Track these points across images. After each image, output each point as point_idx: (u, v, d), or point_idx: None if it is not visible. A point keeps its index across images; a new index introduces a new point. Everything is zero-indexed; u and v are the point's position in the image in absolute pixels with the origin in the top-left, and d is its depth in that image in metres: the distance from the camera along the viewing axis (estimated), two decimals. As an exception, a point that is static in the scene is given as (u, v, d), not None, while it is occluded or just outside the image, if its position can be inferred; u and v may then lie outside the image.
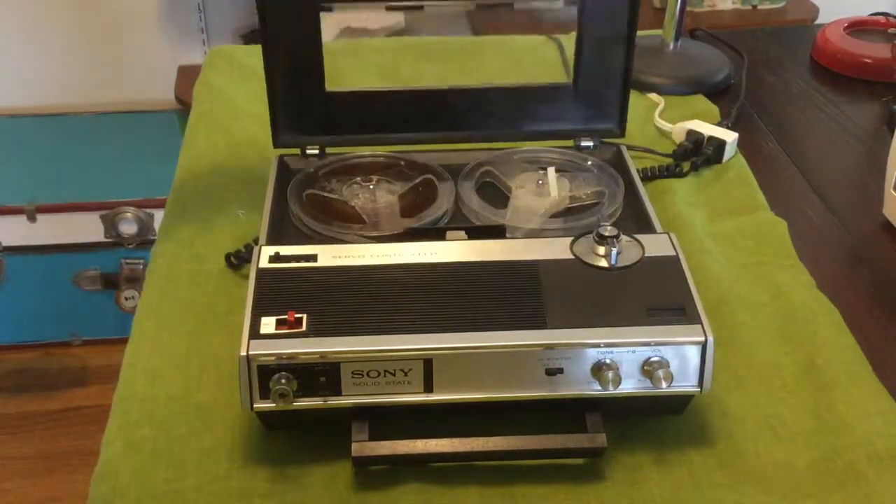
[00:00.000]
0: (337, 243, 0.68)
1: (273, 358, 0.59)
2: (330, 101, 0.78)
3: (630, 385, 0.61)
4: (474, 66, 1.12)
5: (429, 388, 0.60)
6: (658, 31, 1.13)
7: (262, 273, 0.65)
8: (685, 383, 0.61)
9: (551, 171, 0.80)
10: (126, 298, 1.95)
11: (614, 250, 0.65)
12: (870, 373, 0.69)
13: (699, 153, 0.93)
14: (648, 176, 0.90)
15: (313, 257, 0.66)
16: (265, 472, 0.62)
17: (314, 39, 0.76)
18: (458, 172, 0.80)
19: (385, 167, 0.81)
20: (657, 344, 0.60)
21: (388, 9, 2.01)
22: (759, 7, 2.09)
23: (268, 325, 0.60)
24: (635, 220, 0.76)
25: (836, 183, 0.94)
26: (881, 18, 1.19)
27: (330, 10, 0.77)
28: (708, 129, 0.95)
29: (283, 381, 0.59)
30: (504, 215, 0.76)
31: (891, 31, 1.17)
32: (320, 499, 0.60)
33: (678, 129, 0.96)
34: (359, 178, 0.78)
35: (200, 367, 0.69)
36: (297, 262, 0.65)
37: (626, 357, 0.60)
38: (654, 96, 1.05)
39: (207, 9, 2.15)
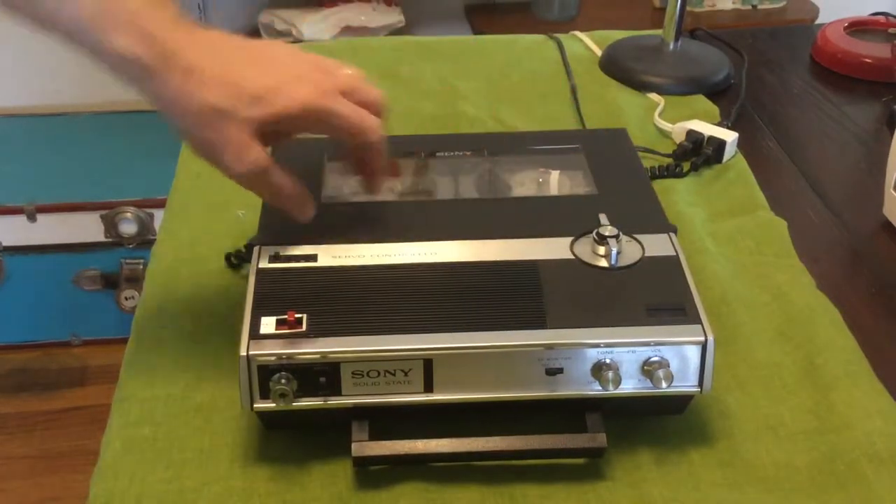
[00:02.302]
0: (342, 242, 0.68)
1: (273, 358, 0.59)
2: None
3: (630, 385, 0.61)
4: (474, 65, 1.12)
5: (429, 388, 0.60)
6: (658, 31, 1.13)
7: (261, 273, 0.65)
8: (685, 383, 0.61)
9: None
10: (126, 298, 1.95)
11: (614, 250, 0.65)
12: (870, 373, 0.69)
13: (699, 153, 0.93)
14: (648, 175, 0.90)
15: (313, 257, 0.66)
16: (265, 472, 0.62)
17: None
18: (458, 169, 0.80)
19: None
20: (657, 344, 0.60)
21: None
22: (759, 7, 2.09)
23: (268, 325, 0.60)
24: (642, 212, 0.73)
25: (836, 183, 0.94)
26: (881, 18, 1.19)
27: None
28: (708, 129, 0.95)
29: (283, 381, 0.59)
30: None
31: (891, 31, 1.17)
32: (320, 499, 0.60)
33: (678, 129, 0.96)
34: (357, 178, 0.78)
35: (200, 367, 0.69)
36: (297, 262, 0.65)
37: (626, 357, 0.60)
38: (654, 96, 1.05)
39: (207, 9, 2.14)
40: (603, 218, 0.68)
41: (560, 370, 0.60)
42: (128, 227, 1.90)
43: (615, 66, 1.11)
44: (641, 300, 0.63)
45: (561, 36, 1.19)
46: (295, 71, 0.61)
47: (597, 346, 0.60)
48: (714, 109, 1.03)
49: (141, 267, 1.91)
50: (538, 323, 0.61)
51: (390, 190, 0.76)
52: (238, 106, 0.58)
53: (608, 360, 0.60)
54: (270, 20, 2.01)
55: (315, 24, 1.95)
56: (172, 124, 0.59)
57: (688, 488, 0.61)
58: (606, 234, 0.66)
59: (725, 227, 0.84)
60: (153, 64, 0.55)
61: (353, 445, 0.60)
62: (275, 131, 0.62)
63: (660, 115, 1.00)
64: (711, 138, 0.94)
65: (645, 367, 0.60)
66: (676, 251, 0.67)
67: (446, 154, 0.80)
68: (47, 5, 0.56)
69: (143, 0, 0.56)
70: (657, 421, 0.65)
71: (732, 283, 0.77)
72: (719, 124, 0.97)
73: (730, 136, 0.94)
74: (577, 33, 1.20)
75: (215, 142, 0.59)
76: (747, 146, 0.97)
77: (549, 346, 0.60)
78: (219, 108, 0.57)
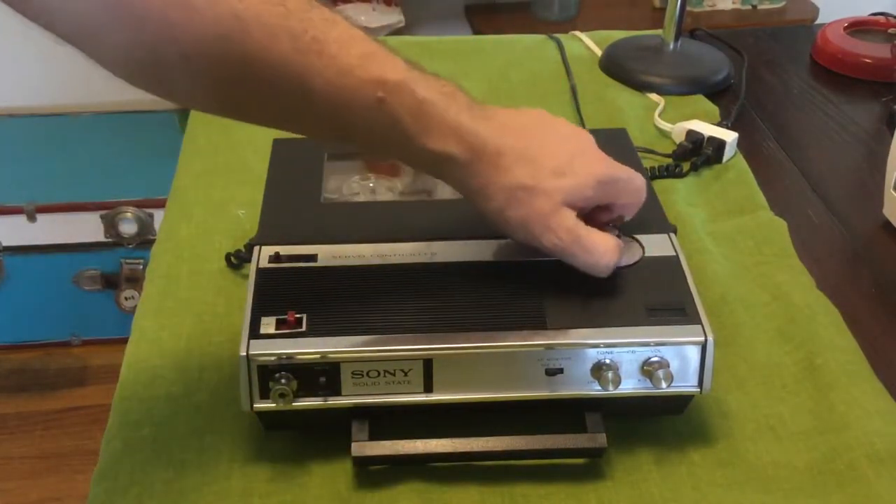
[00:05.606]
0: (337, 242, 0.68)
1: (273, 358, 0.59)
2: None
3: (630, 385, 0.61)
4: (474, 65, 1.12)
5: (429, 388, 0.60)
6: (658, 31, 1.13)
7: (262, 273, 0.65)
8: (685, 383, 0.61)
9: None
10: (126, 298, 1.95)
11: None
12: (870, 373, 0.69)
13: (699, 153, 0.93)
14: (648, 176, 0.90)
15: (313, 257, 0.66)
16: (265, 472, 0.62)
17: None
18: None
19: (382, 165, 0.80)
20: (657, 344, 0.60)
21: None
22: (759, 7, 2.09)
23: (268, 325, 0.60)
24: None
25: (836, 183, 0.94)
26: (881, 18, 1.19)
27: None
28: (708, 129, 0.95)
29: (283, 381, 0.59)
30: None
31: (891, 31, 1.17)
32: (320, 499, 0.60)
33: (678, 129, 0.96)
34: (357, 177, 0.78)
35: (200, 367, 0.69)
36: (297, 262, 0.65)
37: (626, 357, 0.60)
38: (654, 96, 1.05)
39: (207, 9, 2.14)
40: None
41: (560, 370, 0.60)
42: (128, 227, 1.90)
43: (615, 66, 1.11)
44: (641, 300, 0.63)
45: (561, 36, 1.19)
46: (579, 146, 0.65)
47: (597, 346, 0.60)
48: (714, 109, 1.03)
49: (141, 267, 1.91)
50: (538, 323, 0.61)
51: (390, 190, 0.76)
52: (541, 181, 0.61)
53: (608, 360, 0.60)
54: (270, 20, 2.00)
55: (315, 24, 1.94)
56: (482, 208, 0.62)
57: (688, 488, 0.61)
58: (606, 234, 0.66)
59: (725, 227, 0.84)
60: (464, 156, 0.59)
61: (353, 445, 0.60)
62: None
63: (660, 115, 1.00)
64: (711, 138, 0.94)
65: (645, 368, 0.60)
66: (676, 251, 0.67)
67: None
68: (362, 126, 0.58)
69: (458, 110, 0.59)
70: (657, 421, 0.65)
71: (732, 283, 0.77)
72: (719, 124, 0.97)
73: (730, 136, 0.94)
74: (577, 33, 1.20)
75: (524, 217, 0.61)
76: (747, 146, 0.97)
77: (549, 346, 0.60)
78: (525, 185, 0.60)
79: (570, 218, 0.61)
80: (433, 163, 0.60)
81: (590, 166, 0.63)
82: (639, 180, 0.66)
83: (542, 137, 0.63)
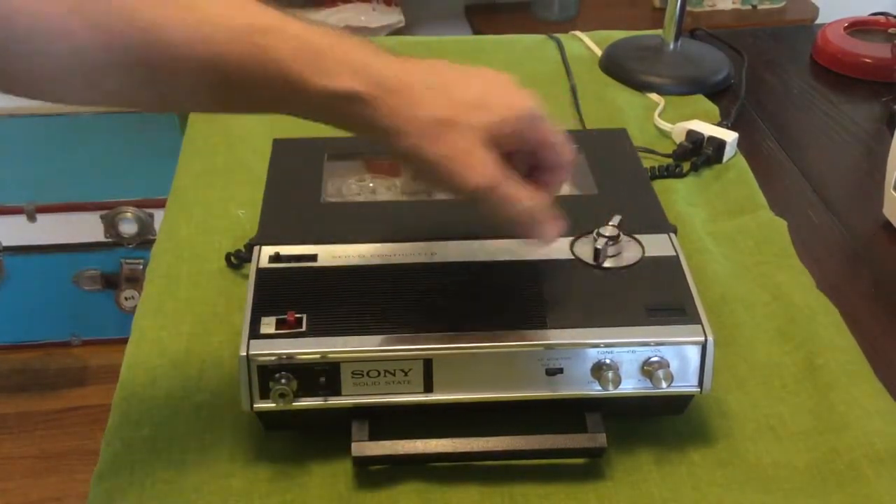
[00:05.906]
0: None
1: (273, 358, 0.59)
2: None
3: (630, 385, 0.61)
4: (474, 65, 1.12)
5: (429, 388, 0.60)
6: (658, 31, 1.13)
7: (262, 273, 0.65)
8: (685, 383, 0.61)
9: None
10: (126, 298, 1.95)
11: (610, 251, 0.65)
12: (870, 373, 0.69)
13: (699, 153, 0.93)
14: (648, 176, 0.90)
15: (313, 257, 0.66)
16: (265, 472, 0.62)
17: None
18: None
19: (382, 165, 0.81)
20: (657, 344, 0.60)
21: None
22: (759, 7, 2.09)
23: (268, 325, 0.60)
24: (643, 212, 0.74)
25: (836, 183, 0.94)
26: (881, 18, 1.19)
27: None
28: (708, 129, 0.95)
29: (283, 381, 0.59)
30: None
31: (891, 31, 1.17)
32: (320, 499, 0.60)
33: (678, 129, 0.96)
34: (356, 178, 0.78)
35: (200, 367, 0.69)
36: (297, 262, 0.65)
37: (626, 357, 0.60)
38: (654, 96, 1.05)
39: (207, 8, 2.14)
40: (615, 219, 0.68)
41: (560, 370, 0.60)
42: (128, 227, 1.90)
43: (615, 66, 1.11)
44: (641, 300, 0.63)
45: (561, 36, 1.19)
46: (495, 79, 0.60)
47: (597, 346, 0.60)
48: (714, 109, 1.03)
49: (141, 267, 1.91)
50: (538, 323, 0.61)
51: (390, 190, 0.76)
52: (459, 114, 0.56)
53: (608, 360, 0.60)
54: (270, 20, 2.00)
55: (315, 24, 1.94)
56: (395, 149, 0.56)
57: (687, 488, 0.61)
58: (606, 234, 0.66)
59: (725, 227, 0.84)
60: (368, 91, 0.54)
61: (353, 445, 0.60)
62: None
63: (660, 115, 1.00)
64: (711, 138, 0.94)
65: (645, 367, 0.60)
66: (676, 251, 0.67)
67: None
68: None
69: (349, 48, 0.55)
70: (657, 421, 0.65)
71: (732, 283, 0.77)
72: (719, 124, 0.97)
73: (730, 136, 0.94)
74: (577, 33, 1.20)
75: (445, 155, 0.55)
76: (747, 146, 0.97)
77: (549, 346, 0.60)
78: (440, 118, 0.55)
79: (492, 157, 0.56)
80: (335, 106, 0.54)
81: (509, 100, 0.58)
82: (562, 136, 0.60)
83: (451, 71, 0.59)
